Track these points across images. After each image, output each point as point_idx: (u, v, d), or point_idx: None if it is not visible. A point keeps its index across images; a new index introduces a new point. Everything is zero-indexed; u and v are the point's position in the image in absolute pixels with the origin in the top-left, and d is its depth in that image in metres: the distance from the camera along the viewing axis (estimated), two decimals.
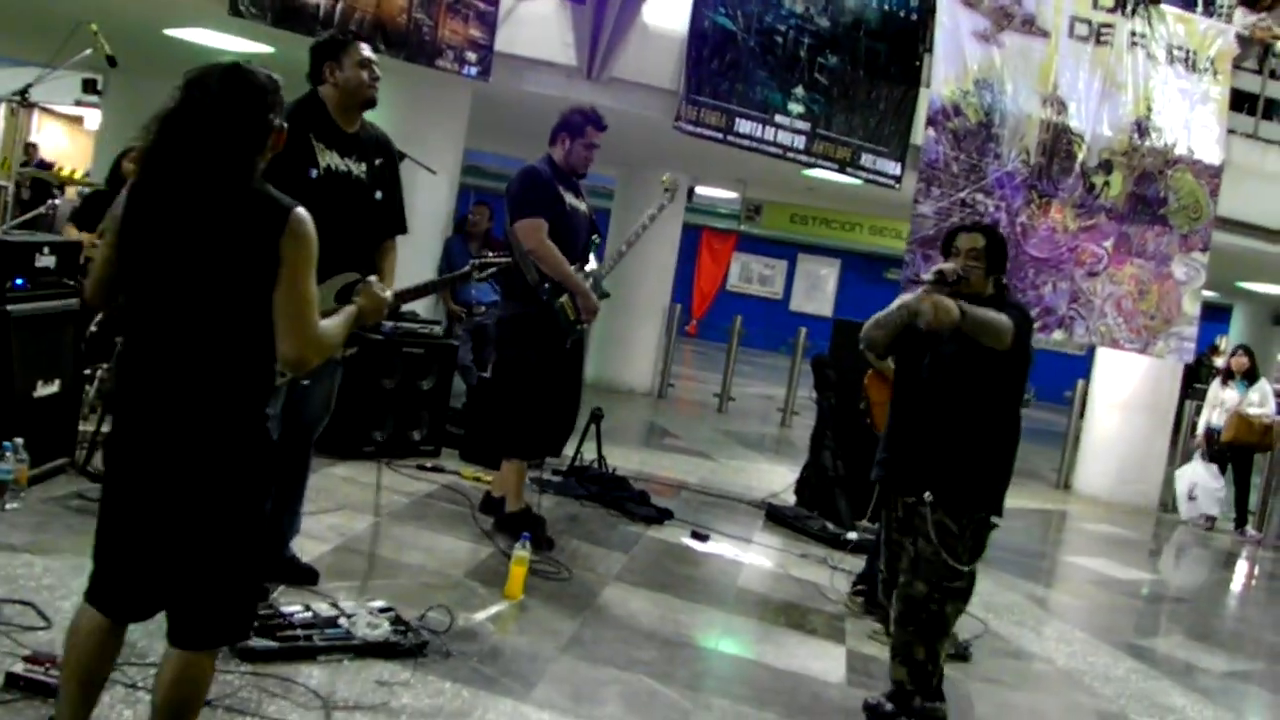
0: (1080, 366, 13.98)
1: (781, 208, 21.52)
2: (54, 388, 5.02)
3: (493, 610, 4.55)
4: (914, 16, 8.76)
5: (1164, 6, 8.47)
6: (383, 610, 4.04)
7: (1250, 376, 10.34)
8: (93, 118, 16.28)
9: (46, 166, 14.19)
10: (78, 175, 13.77)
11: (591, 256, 5.62)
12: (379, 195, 4.19)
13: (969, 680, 4.86)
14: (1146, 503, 10.78)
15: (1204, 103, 8.50)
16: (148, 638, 3.31)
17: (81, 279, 5.24)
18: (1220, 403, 10.40)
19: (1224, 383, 10.53)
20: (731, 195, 16.98)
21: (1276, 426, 10.12)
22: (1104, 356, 10.94)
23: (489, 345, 8.52)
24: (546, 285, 5.35)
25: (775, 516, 7.24)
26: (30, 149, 14.05)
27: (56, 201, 6.65)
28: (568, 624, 4.57)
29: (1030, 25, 8.06)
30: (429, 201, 8.03)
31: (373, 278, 3.08)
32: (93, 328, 5.47)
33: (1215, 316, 16.59)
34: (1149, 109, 8.31)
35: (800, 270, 25.19)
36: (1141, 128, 8.29)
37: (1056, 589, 7.50)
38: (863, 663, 4.83)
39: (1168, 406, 11.00)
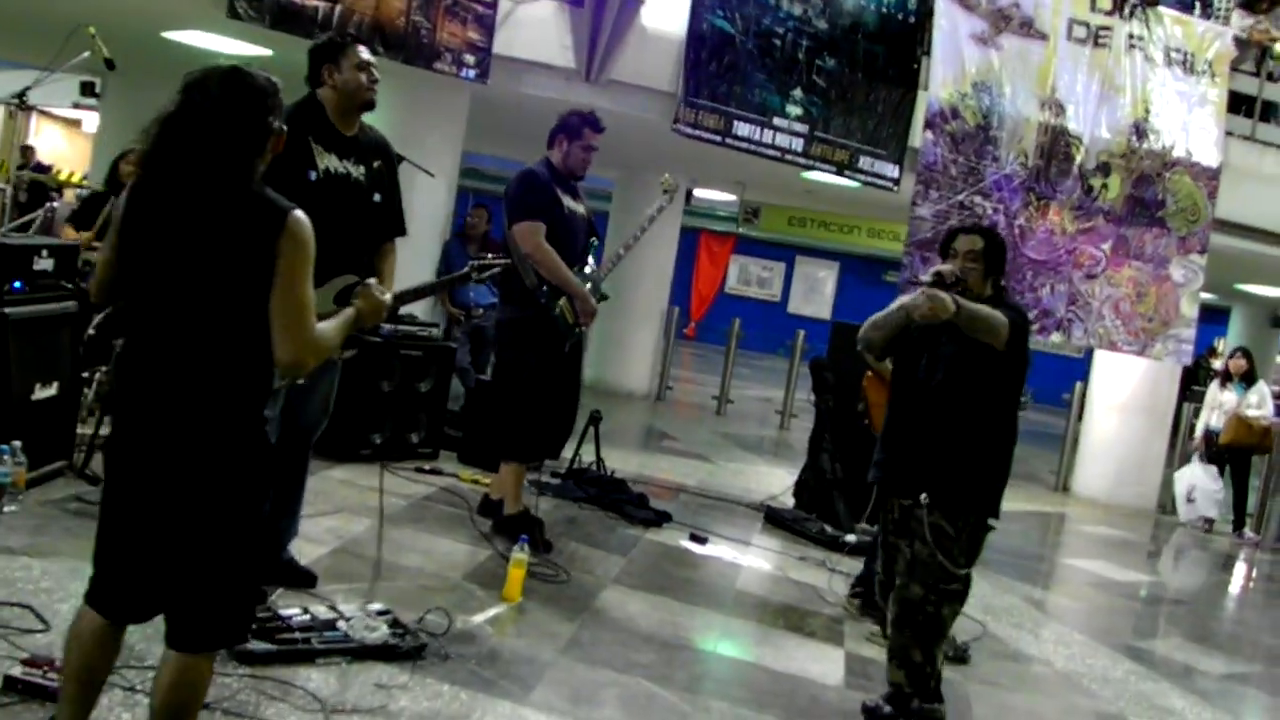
0: (1078, 369, 13.99)
1: (780, 210, 21.54)
2: (52, 390, 5.01)
3: (491, 613, 4.55)
4: (912, 19, 8.77)
5: (1162, 9, 8.49)
6: (381, 613, 4.04)
7: (1248, 378, 10.35)
8: (91, 120, 16.30)
9: (44, 169, 14.21)
10: (76, 178, 13.78)
11: (590, 259, 5.62)
12: (378, 197, 4.19)
13: (967, 682, 4.86)
14: (1145, 505, 10.78)
15: (1202, 105, 8.51)
16: (146, 641, 3.31)
17: (80, 281, 5.25)
18: (1219, 405, 10.40)
19: (1222, 385, 10.54)
20: (730, 198, 17.00)
21: (1275, 428, 10.13)
22: (1102, 359, 10.94)
23: (487, 348, 8.53)
24: (545, 288, 5.34)
25: (774, 519, 7.24)
26: (27, 152, 14.05)
27: (55, 205, 6.64)
28: (566, 626, 4.57)
29: (1028, 28, 8.08)
30: (427, 204, 8.03)
31: (372, 280, 3.07)
32: (91, 330, 5.46)
33: (1213, 318, 16.60)
34: (1147, 111, 8.33)
35: (798, 273, 25.20)
36: (1139, 130, 8.31)
37: (1055, 591, 7.50)
38: (861, 665, 4.83)
39: (1166, 409, 11.00)
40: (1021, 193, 8.03)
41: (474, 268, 4.06)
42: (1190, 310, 8.44)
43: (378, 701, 3.50)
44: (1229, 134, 8.98)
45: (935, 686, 4.10)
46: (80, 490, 4.96)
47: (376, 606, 4.10)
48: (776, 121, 8.36)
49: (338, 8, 6.94)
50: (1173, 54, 8.40)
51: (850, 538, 6.63)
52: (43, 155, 16.14)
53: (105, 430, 4.77)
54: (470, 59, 7.64)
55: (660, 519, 6.62)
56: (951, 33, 7.96)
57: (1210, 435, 10.36)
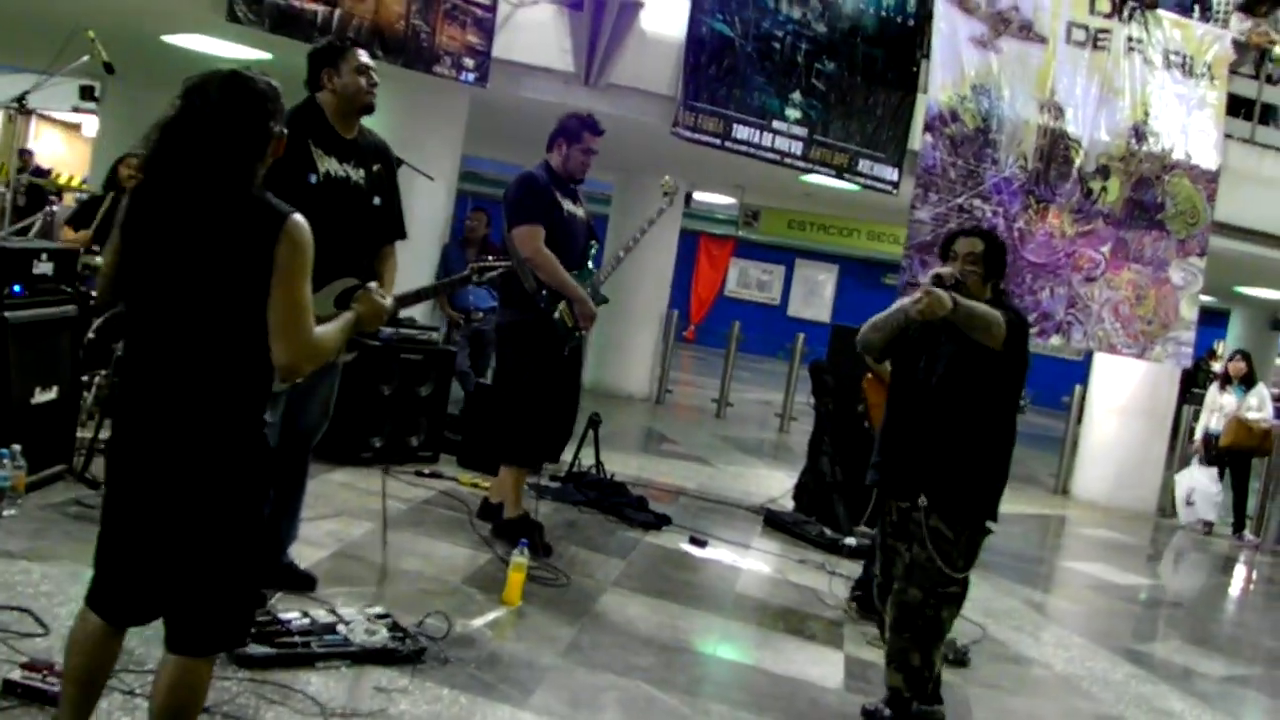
0: (1078, 372, 13.98)
1: (779, 213, 21.56)
2: (52, 394, 5.01)
3: (490, 616, 4.55)
4: (911, 22, 8.77)
5: (1161, 12, 8.50)
6: (380, 617, 4.04)
7: (1248, 381, 10.35)
8: (90, 124, 16.29)
9: (44, 173, 14.20)
10: (75, 182, 13.77)
11: (589, 262, 5.62)
12: (377, 201, 4.19)
13: (967, 685, 4.86)
14: (1144, 508, 10.78)
15: (1201, 108, 8.52)
16: (145, 644, 3.31)
17: (79, 285, 5.25)
18: (1218, 407, 10.41)
19: (1222, 387, 10.54)
20: (729, 201, 17.00)
21: (1274, 431, 10.13)
22: (1101, 361, 10.94)
23: (487, 351, 8.54)
24: (544, 292, 5.35)
25: (773, 522, 7.24)
26: (25, 156, 14.05)
27: (54, 209, 6.64)
28: (566, 630, 4.57)
29: (1028, 31, 8.08)
30: (427, 208, 8.03)
31: (372, 284, 3.08)
32: (90, 334, 5.47)
33: (1213, 321, 16.58)
34: (1146, 114, 8.33)
35: (798, 276, 25.19)
36: (1139, 133, 8.31)
37: (1055, 594, 7.50)
38: (861, 668, 4.83)
39: (1165, 411, 11.00)
40: (1021, 196, 8.03)
41: (474, 270, 4.06)
42: (1190, 313, 8.44)
43: (377, 705, 3.49)
44: (1228, 137, 8.98)
45: (934, 689, 4.10)
46: (80, 494, 4.96)
47: (376, 610, 4.10)
48: (776, 125, 8.36)
49: (337, 11, 6.94)
50: (1172, 57, 8.41)
51: (850, 541, 6.63)
52: (42, 159, 16.14)
53: (105, 434, 4.77)
54: (469, 62, 7.65)
55: (660, 522, 6.62)
56: (951, 36, 7.96)
57: (1210, 438, 10.37)
